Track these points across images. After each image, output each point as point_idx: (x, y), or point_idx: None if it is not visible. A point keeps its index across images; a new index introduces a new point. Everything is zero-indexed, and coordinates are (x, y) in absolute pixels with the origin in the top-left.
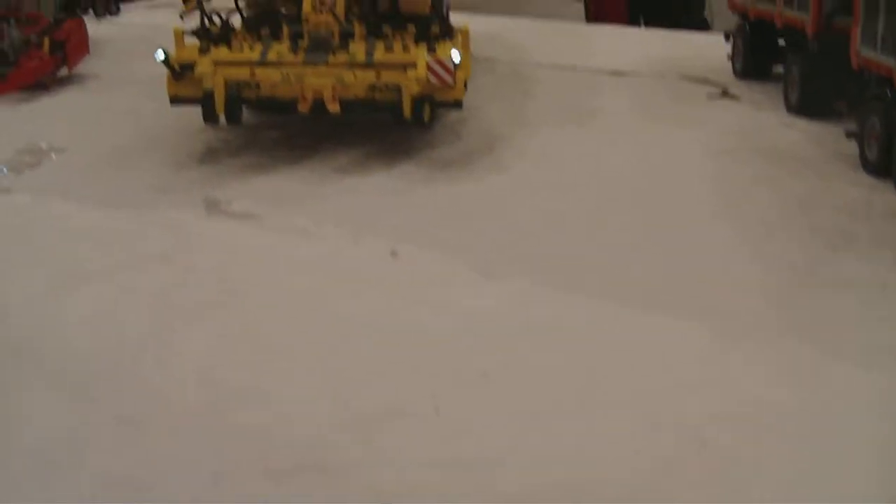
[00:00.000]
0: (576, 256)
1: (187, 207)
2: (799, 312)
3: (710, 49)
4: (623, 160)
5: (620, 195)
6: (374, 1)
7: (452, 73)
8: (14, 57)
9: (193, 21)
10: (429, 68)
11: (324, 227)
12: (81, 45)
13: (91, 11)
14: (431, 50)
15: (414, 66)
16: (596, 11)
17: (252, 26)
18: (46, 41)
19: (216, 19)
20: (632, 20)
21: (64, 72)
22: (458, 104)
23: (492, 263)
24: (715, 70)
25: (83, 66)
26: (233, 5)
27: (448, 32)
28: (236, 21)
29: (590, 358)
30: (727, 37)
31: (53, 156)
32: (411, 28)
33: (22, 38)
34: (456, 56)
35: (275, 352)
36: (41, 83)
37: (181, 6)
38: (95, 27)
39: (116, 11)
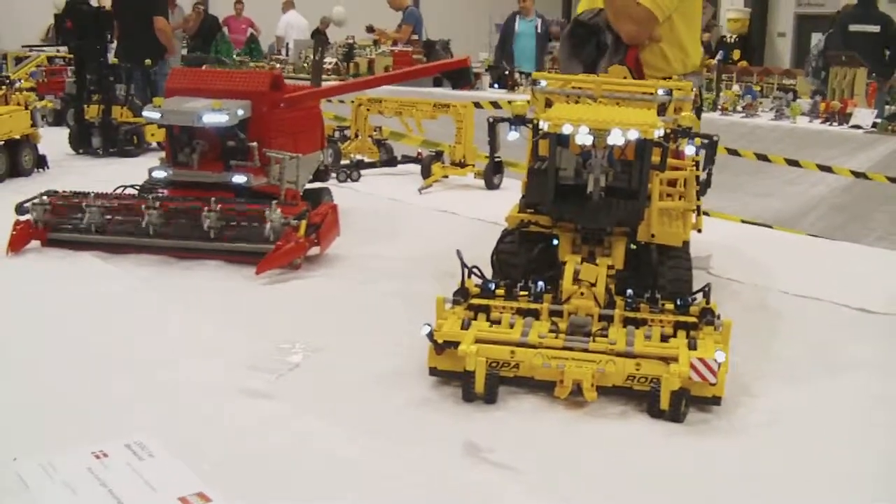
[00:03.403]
0: None
1: (445, 446)
2: None
3: None
4: (862, 438)
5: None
6: (634, 278)
7: (715, 373)
8: (274, 238)
9: (430, 196)
10: (692, 366)
11: (585, 491)
12: (333, 228)
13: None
14: (692, 342)
15: (676, 360)
16: None
17: (510, 289)
18: (303, 225)
19: (475, 277)
20: None
21: (315, 250)
22: (716, 401)
23: None
24: None
25: (332, 244)
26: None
27: (709, 315)
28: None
29: None
30: None
31: (311, 357)
32: (669, 309)
33: (282, 222)
34: (720, 356)
35: None
36: (293, 263)
37: (421, 181)
38: (338, 193)
39: (357, 178)
